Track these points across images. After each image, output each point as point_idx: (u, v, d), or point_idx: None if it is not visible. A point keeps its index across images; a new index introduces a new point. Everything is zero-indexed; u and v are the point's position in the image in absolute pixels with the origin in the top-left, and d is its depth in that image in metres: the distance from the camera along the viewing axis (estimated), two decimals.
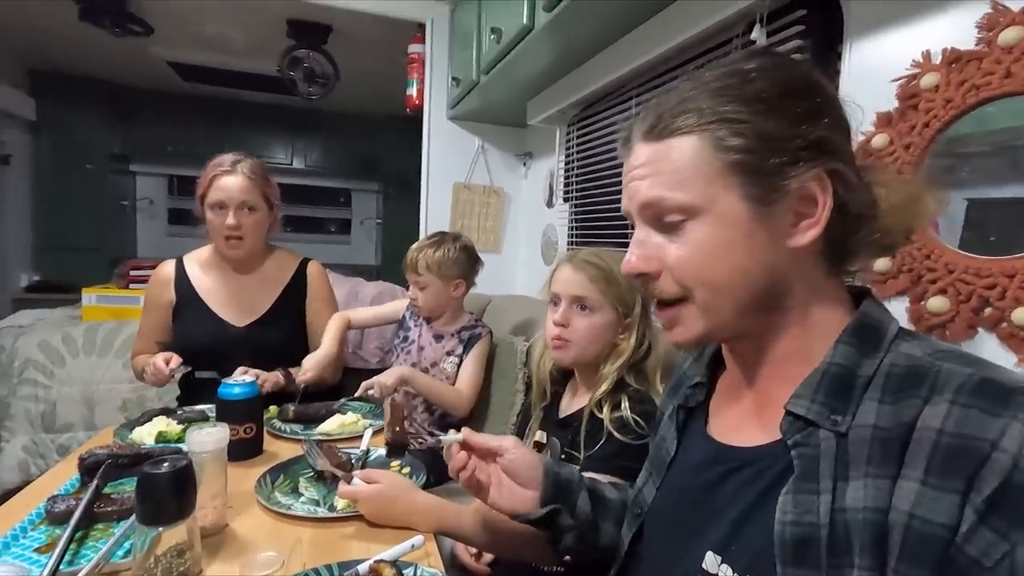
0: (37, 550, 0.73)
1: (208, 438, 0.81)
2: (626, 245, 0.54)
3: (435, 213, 2.40)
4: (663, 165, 0.49)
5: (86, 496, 0.80)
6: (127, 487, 0.90)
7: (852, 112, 0.50)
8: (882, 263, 0.84)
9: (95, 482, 0.85)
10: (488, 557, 1.03)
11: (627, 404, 0.92)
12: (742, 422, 0.55)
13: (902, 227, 0.52)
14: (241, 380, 1.08)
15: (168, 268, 1.50)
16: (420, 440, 1.49)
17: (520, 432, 1.16)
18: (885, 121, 0.84)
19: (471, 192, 2.42)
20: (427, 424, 1.54)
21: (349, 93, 3.45)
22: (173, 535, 0.67)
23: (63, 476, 0.94)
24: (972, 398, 0.39)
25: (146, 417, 1.19)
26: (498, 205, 2.46)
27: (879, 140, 0.85)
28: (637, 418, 0.90)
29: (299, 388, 1.36)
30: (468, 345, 1.54)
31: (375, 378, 1.32)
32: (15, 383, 2.10)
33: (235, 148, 1.49)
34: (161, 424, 1.13)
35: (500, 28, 1.61)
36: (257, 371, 1.30)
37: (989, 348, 0.72)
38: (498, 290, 2.27)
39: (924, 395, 0.41)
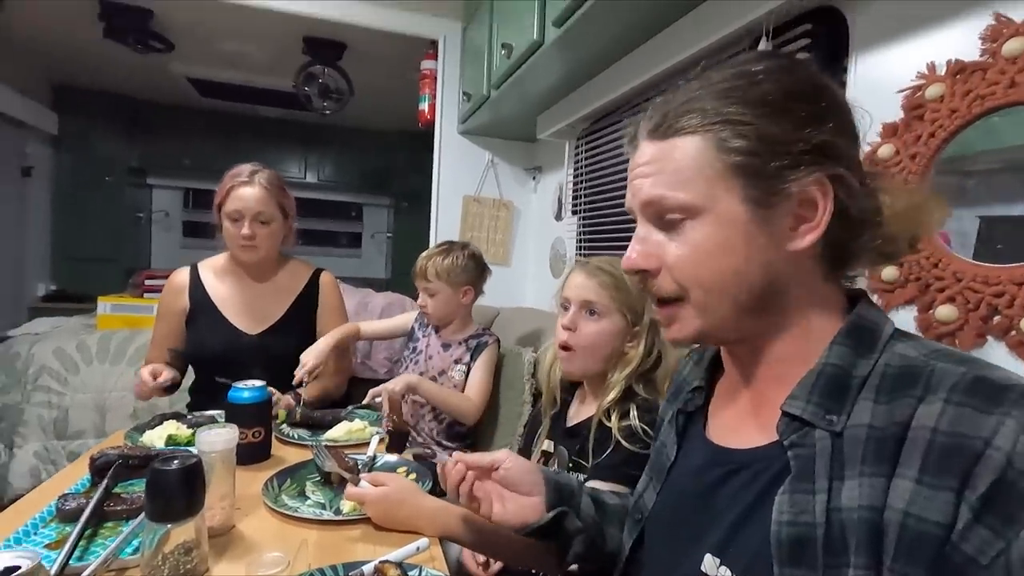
0: (47, 546, 0.73)
1: (218, 438, 0.82)
2: None
3: (445, 226, 2.42)
4: (666, 164, 0.50)
5: (96, 494, 0.81)
6: (137, 488, 0.90)
7: (860, 117, 0.50)
8: (890, 272, 0.84)
9: (106, 481, 0.86)
10: (496, 566, 1.02)
11: (636, 413, 0.92)
12: (740, 424, 0.55)
13: (906, 234, 0.52)
14: (251, 384, 1.09)
15: (183, 275, 1.53)
16: (428, 450, 1.49)
17: (528, 441, 1.16)
18: (891, 132, 0.85)
19: (481, 205, 2.45)
20: (435, 433, 1.54)
21: (362, 108, 3.52)
22: (181, 533, 0.67)
23: (74, 476, 0.96)
24: (966, 396, 0.39)
25: (156, 421, 1.20)
26: (507, 218, 2.48)
27: (885, 150, 0.85)
28: (646, 427, 0.90)
29: (302, 384, 1.38)
30: (475, 353, 1.55)
31: (382, 385, 1.33)
32: (29, 389, 2.13)
33: (250, 162, 1.50)
34: (171, 428, 1.15)
35: (511, 43, 1.64)
36: (273, 388, 1.31)
37: (999, 356, 0.72)
38: (507, 303, 2.28)
39: (918, 394, 0.41)
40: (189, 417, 1.27)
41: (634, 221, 0.55)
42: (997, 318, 0.72)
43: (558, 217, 2.21)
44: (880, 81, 0.88)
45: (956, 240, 0.79)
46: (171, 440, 1.12)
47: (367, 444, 1.15)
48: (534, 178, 2.49)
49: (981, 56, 0.75)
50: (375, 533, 0.83)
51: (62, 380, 2.14)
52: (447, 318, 1.57)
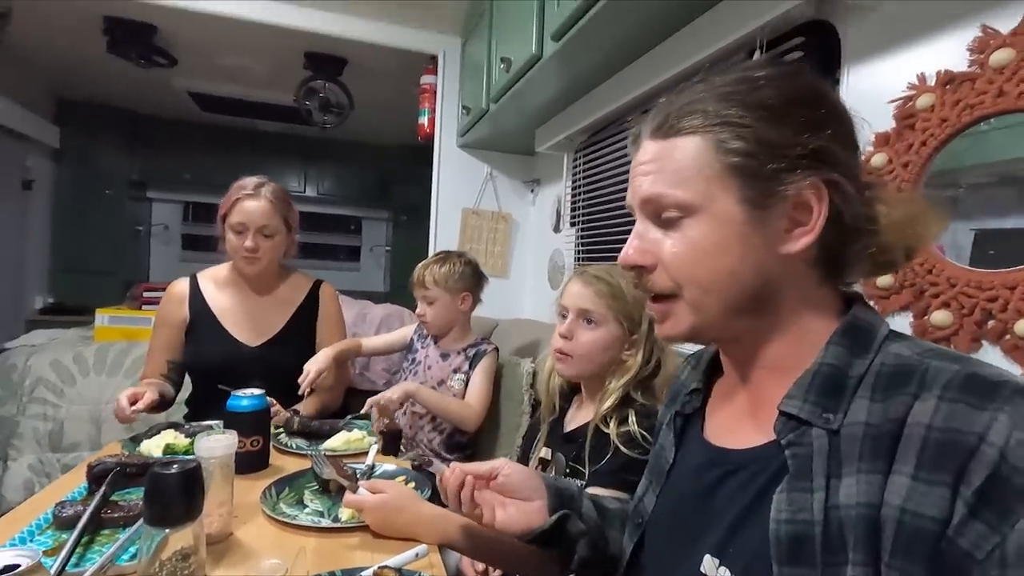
0: (44, 553, 0.73)
1: (217, 444, 0.81)
2: None
3: (444, 239, 2.44)
4: (666, 163, 0.51)
5: (94, 501, 0.81)
6: (134, 496, 0.90)
7: (860, 127, 0.51)
8: (885, 278, 0.85)
9: (103, 489, 0.86)
10: (496, 574, 1.01)
11: (634, 419, 0.92)
12: (737, 425, 0.55)
13: (902, 244, 0.52)
14: (250, 393, 1.09)
15: (182, 285, 1.52)
16: (425, 456, 1.48)
17: (526, 449, 1.16)
18: (883, 141, 0.87)
19: (480, 218, 2.46)
20: (435, 443, 1.54)
21: (362, 123, 3.55)
22: (179, 538, 0.67)
23: (71, 484, 0.95)
24: (959, 393, 0.39)
25: (154, 430, 1.20)
26: (506, 231, 2.50)
27: (878, 159, 0.87)
28: (644, 433, 0.90)
29: (303, 393, 1.39)
30: (474, 362, 1.55)
31: (381, 394, 1.33)
32: (25, 402, 2.11)
33: (250, 175, 1.49)
34: (169, 437, 1.14)
35: (509, 57, 1.67)
36: (273, 399, 1.31)
37: (993, 360, 0.73)
38: (505, 314, 2.28)
39: (913, 392, 0.42)
40: (187, 426, 1.26)
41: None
42: (991, 322, 0.73)
43: (556, 229, 2.22)
44: (871, 92, 0.90)
45: (950, 253, 0.80)
46: (169, 449, 1.11)
47: (366, 454, 1.15)
48: (532, 190, 2.51)
49: (970, 67, 0.76)
50: (373, 540, 0.82)
51: (58, 392, 2.12)
52: (446, 326, 1.58)
